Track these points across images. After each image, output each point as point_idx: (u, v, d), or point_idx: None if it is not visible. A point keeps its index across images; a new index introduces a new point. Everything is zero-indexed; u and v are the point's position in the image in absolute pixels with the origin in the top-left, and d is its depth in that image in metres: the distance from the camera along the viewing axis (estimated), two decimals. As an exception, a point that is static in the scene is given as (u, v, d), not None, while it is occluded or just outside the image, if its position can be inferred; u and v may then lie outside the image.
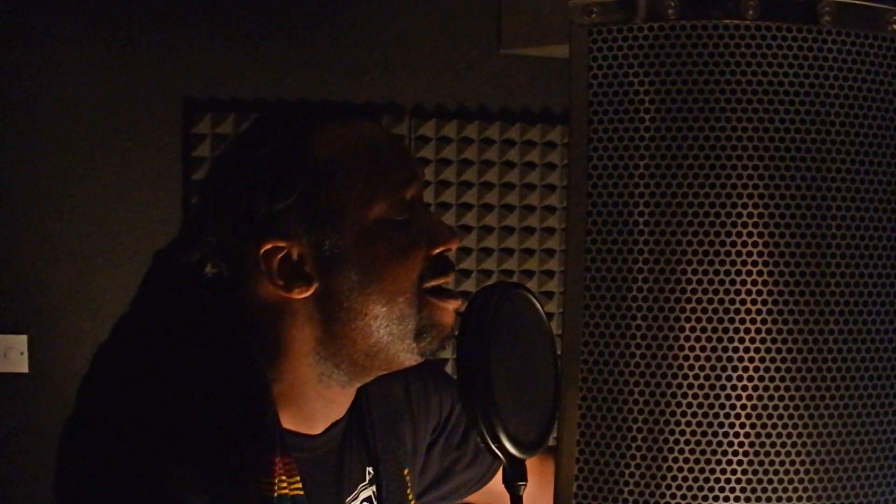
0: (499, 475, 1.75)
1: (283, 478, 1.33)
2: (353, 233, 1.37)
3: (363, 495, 1.52)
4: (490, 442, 1.30)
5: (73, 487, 1.33)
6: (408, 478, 1.60)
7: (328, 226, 1.37)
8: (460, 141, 3.33)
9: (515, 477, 1.34)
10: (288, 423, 1.40)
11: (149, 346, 1.39)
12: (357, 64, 3.30)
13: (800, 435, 1.03)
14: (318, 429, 1.46)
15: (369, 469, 1.53)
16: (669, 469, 1.03)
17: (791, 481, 1.03)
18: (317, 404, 1.44)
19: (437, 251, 1.42)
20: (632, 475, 1.04)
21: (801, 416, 1.03)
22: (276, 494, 1.32)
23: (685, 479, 1.02)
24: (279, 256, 1.37)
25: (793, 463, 1.03)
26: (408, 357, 1.42)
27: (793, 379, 1.03)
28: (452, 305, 1.43)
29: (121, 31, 3.18)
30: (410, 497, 1.59)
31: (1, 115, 3.11)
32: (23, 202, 3.13)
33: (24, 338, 3.20)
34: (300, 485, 1.35)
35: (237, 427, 1.33)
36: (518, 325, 1.38)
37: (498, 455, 1.31)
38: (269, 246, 1.37)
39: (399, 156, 1.46)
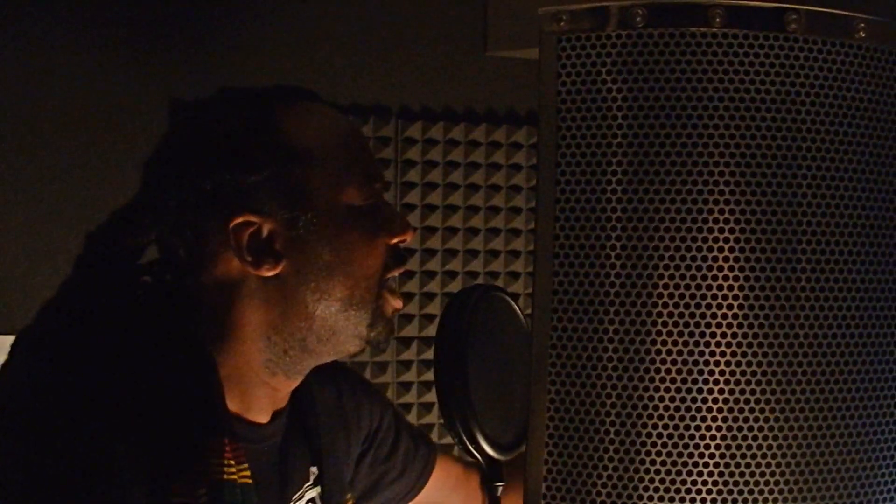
0: (427, 488, 1.73)
1: (231, 462, 1.28)
2: (326, 214, 1.36)
3: (308, 495, 1.49)
4: (467, 442, 1.31)
5: (8, 483, 1.21)
6: (346, 481, 1.58)
7: (302, 204, 1.35)
8: (447, 143, 3.34)
9: (493, 478, 1.36)
10: (232, 406, 1.36)
11: (81, 329, 1.30)
12: (343, 65, 3.31)
13: (772, 436, 1.04)
14: (262, 418, 1.42)
15: (313, 469, 1.50)
16: (640, 471, 1.04)
17: (765, 482, 1.04)
18: (260, 391, 1.40)
19: (396, 240, 1.41)
20: (600, 476, 1.04)
21: (772, 417, 1.04)
22: (225, 478, 1.27)
23: (657, 480, 1.03)
24: (249, 231, 1.34)
25: (766, 464, 1.03)
26: (355, 344, 1.40)
27: (764, 381, 1.03)
28: (398, 304, 1.42)
29: (106, 32, 3.18)
30: (350, 500, 1.58)
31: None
32: (13, 203, 3.13)
33: (12, 339, 3.20)
34: (248, 473, 1.31)
35: (182, 405, 1.27)
36: (495, 327, 1.39)
37: (475, 456, 1.32)
38: (239, 220, 1.33)
39: (367, 149, 1.47)
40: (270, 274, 1.34)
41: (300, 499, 1.48)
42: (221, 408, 1.31)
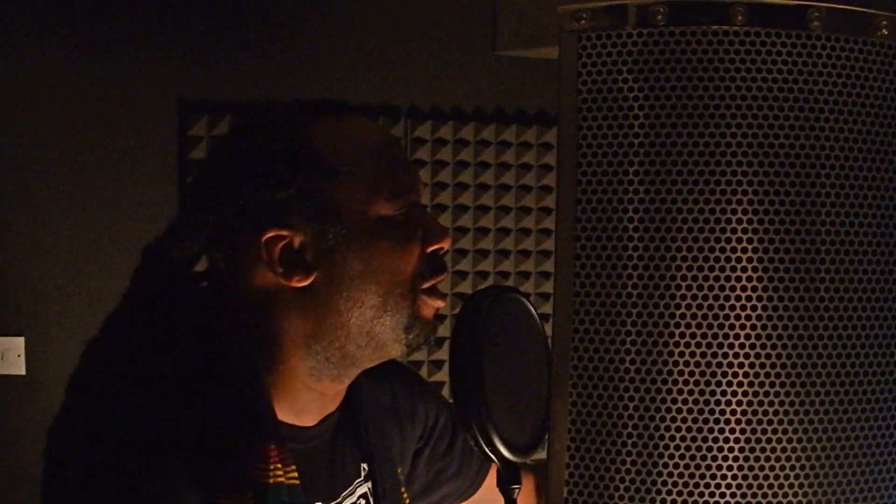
0: (484, 486, 1.76)
1: (279, 465, 1.34)
2: (356, 225, 1.40)
3: (360, 491, 1.53)
4: (483, 445, 1.30)
5: (63, 483, 1.33)
6: (401, 476, 1.61)
7: (331, 217, 1.39)
8: (456, 143, 3.33)
9: (509, 480, 1.35)
10: (281, 415, 1.41)
11: (140, 340, 1.41)
12: (353, 65, 3.30)
13: (791, 440, 1.03)
14: (310, 421, 1.48)
15: (364, 465, 1.55)
16: (660, 474, 1.03)
17: (782, 486, 1.03)
18: (308, 397, 1.45)
19: (432, 248, 1.45)
20: (622, 480, 1.04)
21: (792, 421, 1.03)
22: (271, 481, 1.32)
23: (677, 484, 1.03)
24: (281, 245, 1.39)
25: (784, 468, 1.03)
26: (395, 348, 1.44)
27: (784, 384, 1.03)
28: (438, 304, 1.46)
29: (116, 34, 3.18)
30: (405, 494, 1.60)
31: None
32: (19, 205, 3.13)
33: (21, 340, 3.20)
34: (296, 474, 1.36)
35: (230, 413, 1.34)
36: (511, 328, 1.38)
37: (492, 458, 1.31)
38: (271, 234, 1.38)
39: (401, 159, 1.49)
40: (302, 285, 1.39)
41: (351, 494, 1.52)
42: (267, 415, 1.37)
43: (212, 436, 1.32)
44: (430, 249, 1.44)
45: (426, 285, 1.44)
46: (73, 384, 1.39)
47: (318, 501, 1.47)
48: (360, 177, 1.41)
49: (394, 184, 1.43)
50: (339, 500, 1.51)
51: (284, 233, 1.39)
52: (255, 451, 1.33)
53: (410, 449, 1.67)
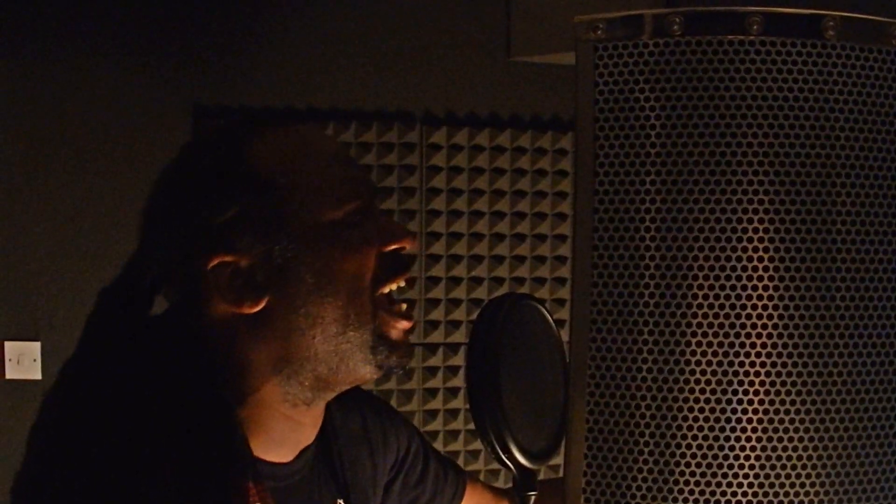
0: None
1: (258, 503, 1.26)
2: (304, 237, 1.32)
3: None
4: (500, 451, 1.31)
5: None
6: None
7: (277, 234, 1.31)
8: (471, 148, 3.33)
9: (525, 487, 1.35)
10: (258, 451, 1.33)
11: (101, 386, 1.30)
12: (368, 71, 3.31)
13: (807, 444, 1.03)
14: (288, 456, 1.40)
15: (339, 501, 1.48)
16: (677, 481, 1.03)
17: (798, 490, 1.03)
18: (284, 427, 1.37)
19: (389, 248, 1.37)
20: (639, 487, 1.04)
21: (808, 426, 1.03)
22: None
23: (693, 491, 1.03)
24: (228, 271, 1.31)
25: (800, 472, 1.03)
26: (367, 370, 1.35)
27: (800, 388, 1.03)
28: (402, 325, 1.37)
29: (131, 38, 3.19)
30: None
31: (12, 124, 3.12)
32: (35, 210, 3.15)
33: (37, 345, 3.21)
34: None
35: (203, 451, 1.25)
36: (527, 336, 1.38)
37: (507, 465, 1.32)
38: (216, 262, 1.31)
39: (346, 164, 1.41)
40: (255, 310, 1.31)
41: None
42: (243, 451, 1.29)
43: (185, 477, 1.23)
44: (386, 249, 1.36)
45: (383, 289, 1.36)
46: (33, 436, 1.29)
47: None
48: (302, 187, 1.33)
49: (339, 189, 1.35)
50: None
51: (229, 258, 1.31)
52: (233, 491, 1.25)
53: (383, 479, 1.59)
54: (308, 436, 1.42)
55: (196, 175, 1.35)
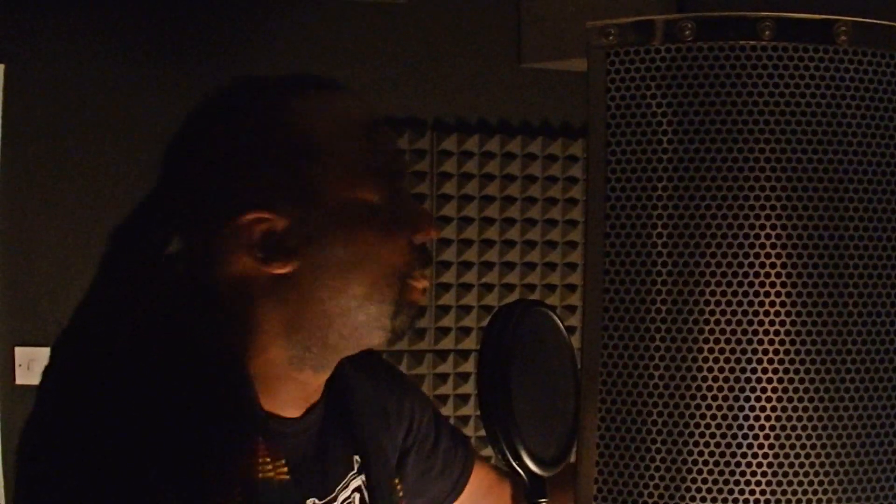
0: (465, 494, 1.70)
1: (268, 460, 1.25)
2: (340, 211, 1.30)
3: (353, 484, 1.46)
4: (510, 458, 1.31)
5: (39, 484, 1.19)
6: (393, 467, 1.55)
7: (315, 200, 1.30)
8: (482, 155, 3.33)
9: (536, 493, 1.35)
10: (265, 404, 1.32)
11: (111, 332, 1.27)
12: (378, 78, 3.31)
13: (819, 454, 1.03)
14: (295, 413, 1.39)
15: (356, 457, 1.47)
16: (689, 489, 1.03)
17: (810, 500, 1.03)
18: (290, 387, 1.36)
19: (419, 238, 1.36)
20: (651, 495, 1.04)
21: (820, 435, 1.03)
22: (260, 476, 1.24)
23: (705, 499, 1.03)
24: (262, 228, 1.29)
25: (812, 482, 1.03)
26: (379, 335, 1.34)
27: (812, 398, 1.03)
28: (423, 284, 1.36)
29: (135, 37, 3.20)
30: (399, 485, 1.54)
31: (20, 131, 3.13)
32: (44, 216, 3.15)
33: (47, 350, 3.21)
34: (286, 469, 1.29)
35: (212, 404, 1.23)
36: (538, 342, 1.38)
37: (518, 472, 1.32)
38: (252, 217, 1.28)
39: (388, 143, 1.39)
40: (282, 272, 1.30)
41: (345, 488, 1.44)
42: (252, 406, 1.28)
43: (194, 430, 1.20)
44: (418, 238, 1.36)
45: (412, 277, 1.35)
46: (44, 381, 1.29)
47: (312, 498, 1.38)
48: (344, 158, 1.32)
49: (380, 168, 1.34)
50: (333, 495, 1.42)
51: (266, 215, 1.29)
52: (242, 445, 1.24)
53: (397, 445, 1.59)
54: (314, 396, 1.41)
55: (238, 126, 1.33)
